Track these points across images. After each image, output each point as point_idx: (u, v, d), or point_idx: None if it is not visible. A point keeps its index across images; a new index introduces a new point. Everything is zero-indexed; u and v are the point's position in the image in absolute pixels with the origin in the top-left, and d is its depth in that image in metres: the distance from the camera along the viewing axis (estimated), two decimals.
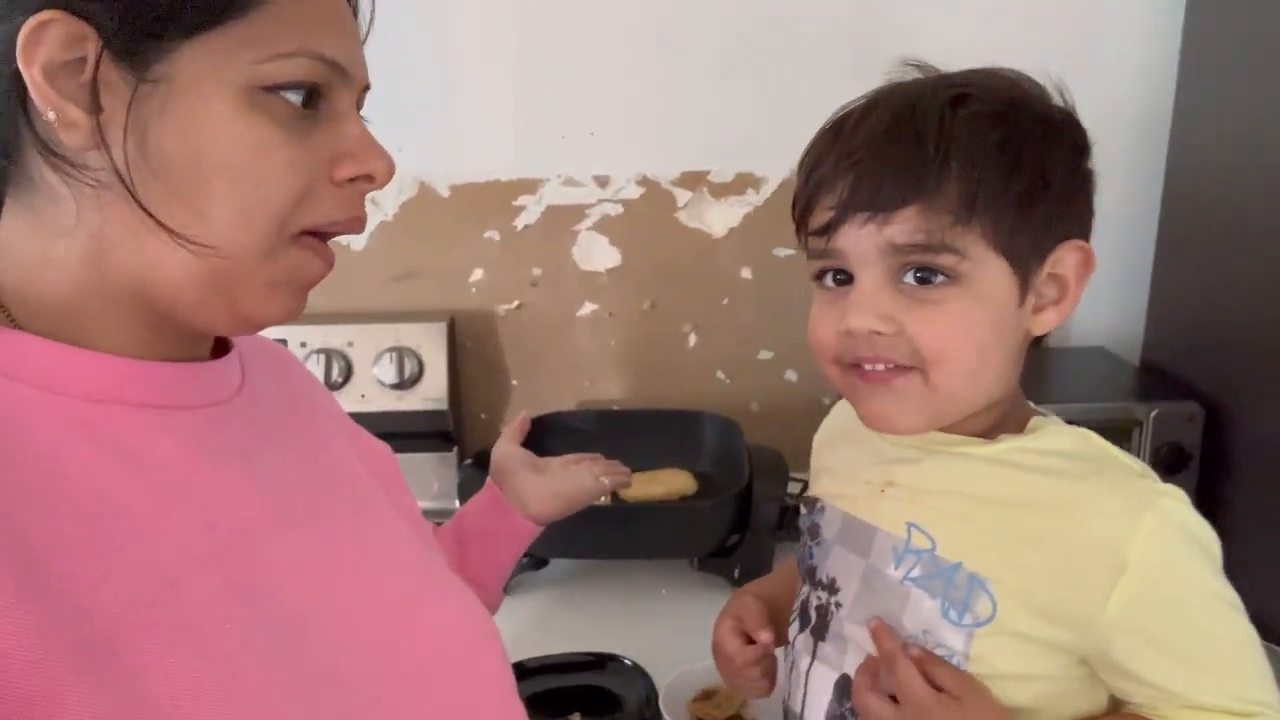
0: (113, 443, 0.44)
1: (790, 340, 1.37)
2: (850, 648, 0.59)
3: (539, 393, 1.38)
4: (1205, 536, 0.53)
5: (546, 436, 1.07)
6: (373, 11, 0.53)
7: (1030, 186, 0.53)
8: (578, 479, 0.81)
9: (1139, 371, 1.25)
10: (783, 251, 1.34)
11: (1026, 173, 0.53)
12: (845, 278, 0.56)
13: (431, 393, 1.27)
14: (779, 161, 1.30)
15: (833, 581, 0.62)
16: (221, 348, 0.54)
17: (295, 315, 0.50)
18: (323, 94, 0.48)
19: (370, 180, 0.49)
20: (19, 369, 0.44)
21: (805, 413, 1.39)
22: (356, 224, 0.50)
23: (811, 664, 0.62)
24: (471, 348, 1.36)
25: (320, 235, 0.49)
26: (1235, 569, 1.10)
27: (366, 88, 0.51)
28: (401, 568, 0.56)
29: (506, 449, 0.84)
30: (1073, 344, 1.34)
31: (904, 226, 0.52)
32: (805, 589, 0.65)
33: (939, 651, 0.55)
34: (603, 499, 0.83)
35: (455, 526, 0.79)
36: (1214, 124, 1.11)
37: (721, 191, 1.32)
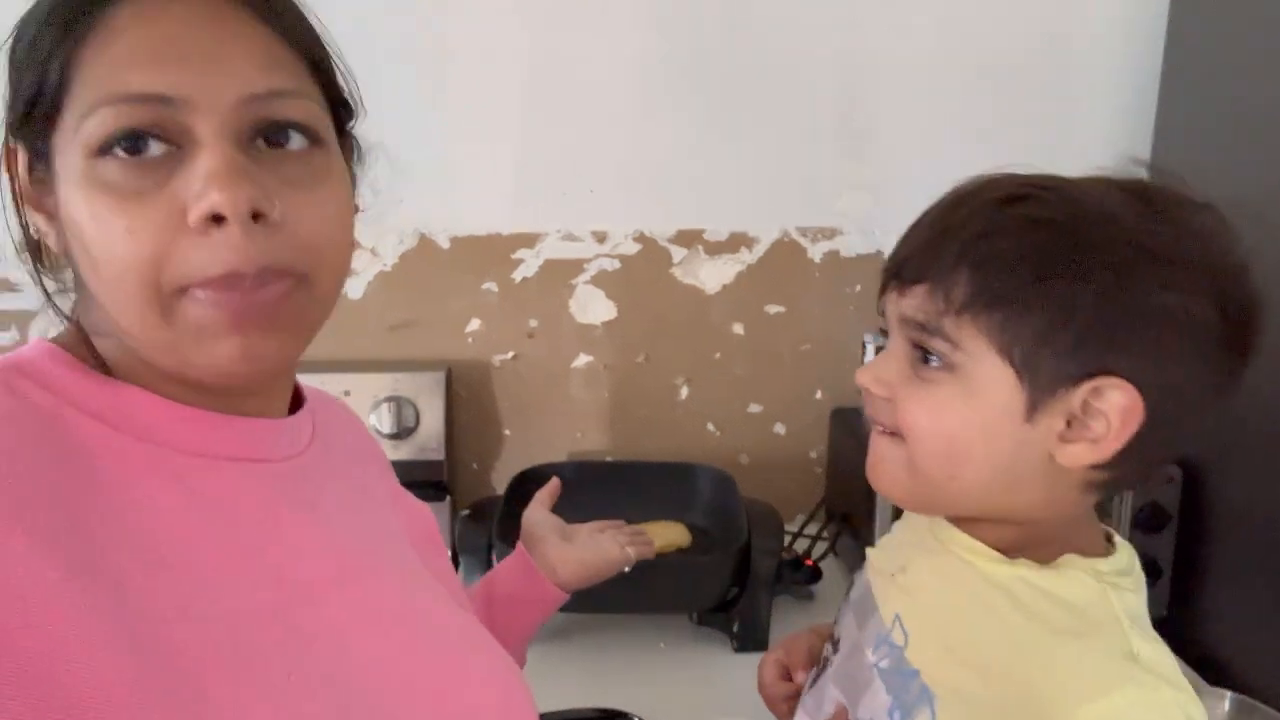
0: (201, 491, 0.46)
1: (780, 394, 1.39)
2: (826, 705, 0.61)
3: (531, 443, 1.39)
4: None
5: (537, 489, 1.07)
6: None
7: (1056, 304, 0.49)
8: (603, 548, 0.82)
9: None
10: (773, 308, 1.37)
11: (1053, 288, 0.49)
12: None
13: (427, 442, 1.27)
14: (770, 221, 1.35)
15: (838, 641, 0.64)
16: (296, 402, 0.55)
17: (263, 356, 0.45)
18: (169, 132, 0.43)
19: (218, 220, 0.42)
20: (121, 419, 0.45)
21: (793, 466, 1.43)
22: (228, 280, 0.43)
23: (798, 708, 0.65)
24: (466, 397, 1.37)
25: (204, 288, 0.44)
26: (1210, 623, 1.14)
27: (263, 96, 0.44)
28: (446, 624, 0.57)
29: (537, 515, 0.84)
30: None
31: (913, 302, 0.53)
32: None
33: None
34: (625, 569, 0.84)
35: (485, 587, 0.79)
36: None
37: (716, 249, 1.35)
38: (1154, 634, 0.51)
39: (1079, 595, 0.51)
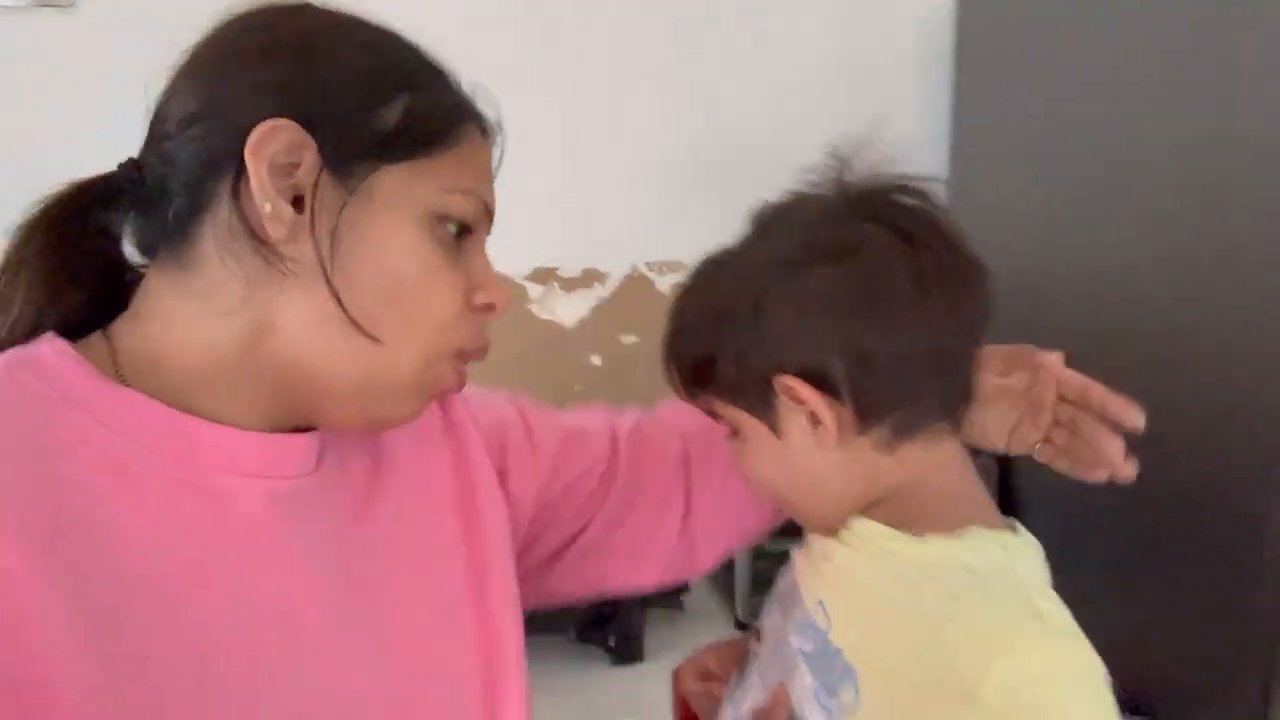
0: (189, 502, 0.47)
1: None
2: (750, 697, 0.62)
3: None
4: (1070, 681, 0.51)
5: None
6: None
7: (701, 351, 0.59)
8: None
9: None
10: (628, 339, 1.44)
11: (724, 339, 0.57)
12: None
13: None
14: (621, 258, 1.43)
15: (763, 635, 0.65)
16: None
17: (413, 420, 0.54)
18: (470, 231, 0.53)
19: (493, 309, 0.54)
20: (118, 420, 0.46)
21: None
22: (483, 351, 0.55)
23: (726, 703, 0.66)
24: None
25: (460, 356, 0.54)
26: None
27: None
28: (417, 661, 0.56)
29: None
30: None
31: (683, 391, 0.63)
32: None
33: None
34: None
35: None
36: (988, 225, 1.33)
37: (570, 285, 1.41)
38: (1054, 595, 0.54)
39: (985, 563, 0.54)
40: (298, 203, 0.48)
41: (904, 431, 0.56)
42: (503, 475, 0.66)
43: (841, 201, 0.57)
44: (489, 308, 0.54)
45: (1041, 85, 1.15)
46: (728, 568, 1.22)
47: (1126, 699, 0.96)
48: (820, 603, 0.59)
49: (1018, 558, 0.56)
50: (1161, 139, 0.95)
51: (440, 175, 0.51)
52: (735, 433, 0.60)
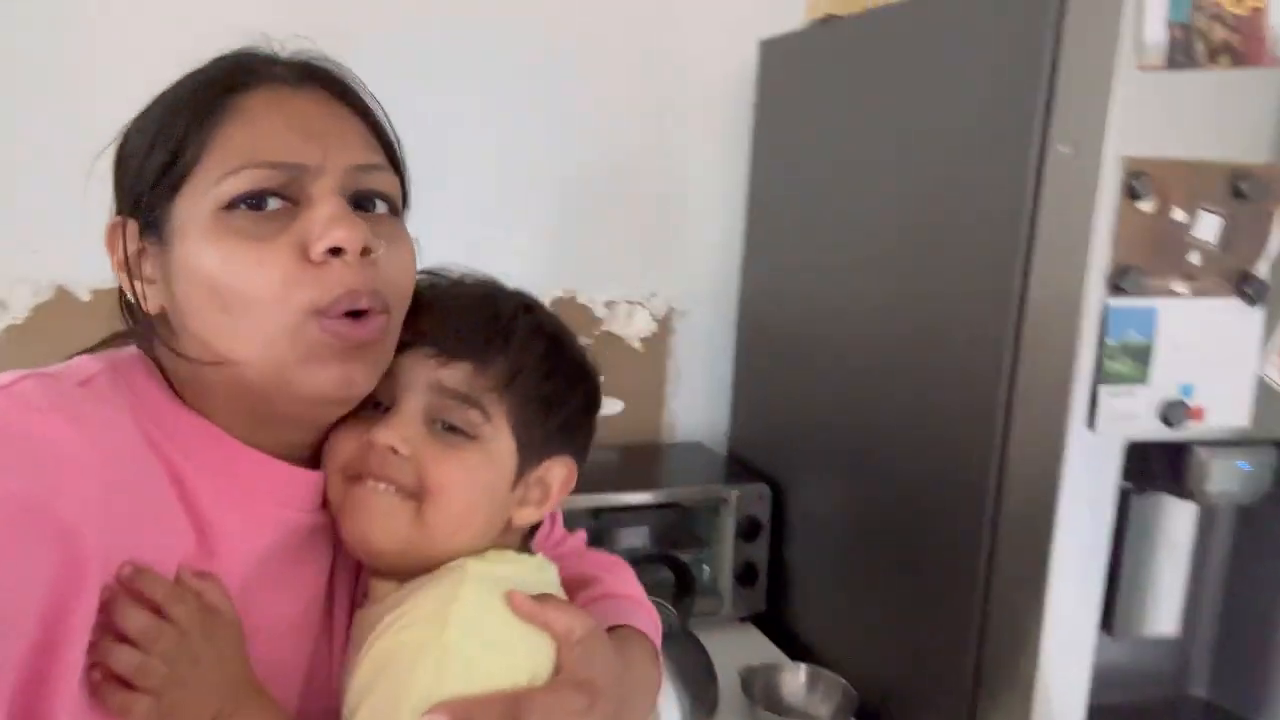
0: (231, 526, 0.55)
1: None
2: None
3: None
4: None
5: None
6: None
7: (554, 396, 0.62)
8: None
9: (726, 460, 1.53)
10: None
11: (555, 384, 0.62)
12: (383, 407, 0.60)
13: None
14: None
15: None
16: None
17: (356, 382, 0.54)
18: (289, 191, 0.53)
19: (340, 251, 0.52)
20: (185, 444, 0.55)
21: None
22: (352, 296, 0.52)
23: None
24: None
25: (334, 314, 0.52)
26: (795, 609, 1.39)
27: (363, 167, 0.55)
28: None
29: None
30: (678, 439, 1.62)
31: (455, 375, 0.59)
32: None
33: None
34: None
35: None
36: (771, 277, 1.46)
37: None
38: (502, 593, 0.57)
39: (449, 570, 0.58)
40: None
41: None
42: None
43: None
44: (332, 252, 0.52)
45: (824, 149, 1.29)
46: None
47: (861, 703, 1.10)
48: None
49: (482, 560, 0.61)
50: (892, 215, 1.10)
51: (206, 176, 0.52)
52: (447, 429, 0.60)
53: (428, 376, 0.59)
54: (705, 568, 1.37)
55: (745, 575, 1.33)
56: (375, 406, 0.60)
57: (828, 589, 1.29)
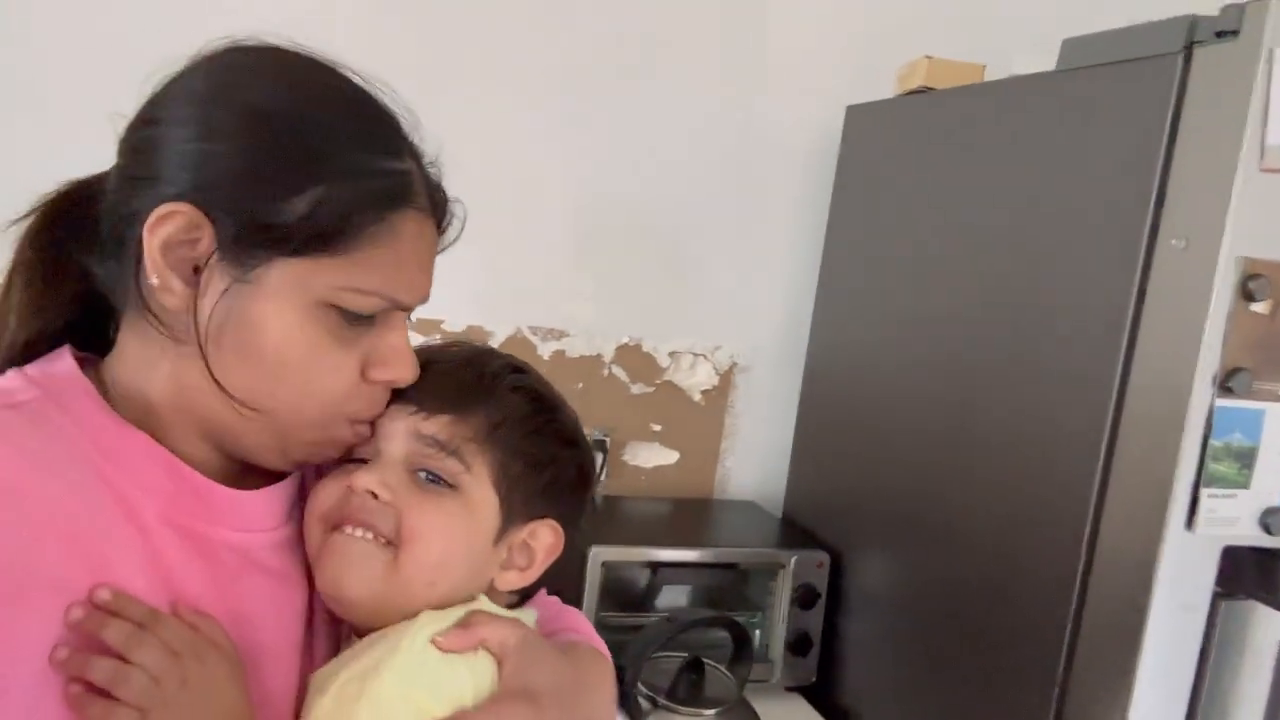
0: (172, 550, 0.54)
1: None
2: None
3: None
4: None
5: None
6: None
7: (539, 455, 0.62)
8: None
9: (781, 523, 1.51)
10: None
11: (540, 443, 0.62)
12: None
13: None
14: (505, 319, 1.46)
15: None
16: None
17: (330, 458, 0.59)
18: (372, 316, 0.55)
19: (391, 384, 0.58)
20: (123, 463, 0.53)
21: None
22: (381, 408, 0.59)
23: None
24: None
25: (363, 420, 0.58)
26: (848, 683, 1.36)
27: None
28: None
29: None
30: (730, 496, 1.60)
31: (436, 426, 0.59)
32: None
33: None
34: None
35: None
36: (840, 339, 1.46)
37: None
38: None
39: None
40: (200, 272, 0.52)
41: None
42: None
43: None
44: (388, 383, 0.57)
45: (907, 216, 1.29)
46: None
47: None
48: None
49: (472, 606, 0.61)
50: (982, 286, 1.09)
51: (338, 273, 0.52)
52: (429, 479, 0.60)
53: (409, 427, 0.59)
54: (757, 632, 1.34)
55: (798, 644, 1.30)
56: (358, 461, 0.60)
57: (885, 666, 1.26)
